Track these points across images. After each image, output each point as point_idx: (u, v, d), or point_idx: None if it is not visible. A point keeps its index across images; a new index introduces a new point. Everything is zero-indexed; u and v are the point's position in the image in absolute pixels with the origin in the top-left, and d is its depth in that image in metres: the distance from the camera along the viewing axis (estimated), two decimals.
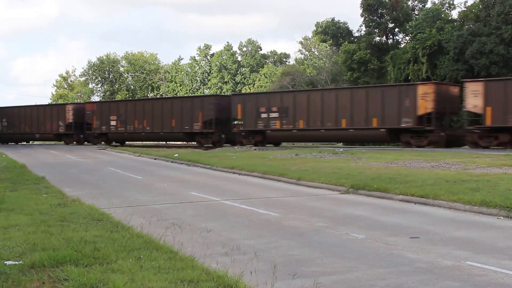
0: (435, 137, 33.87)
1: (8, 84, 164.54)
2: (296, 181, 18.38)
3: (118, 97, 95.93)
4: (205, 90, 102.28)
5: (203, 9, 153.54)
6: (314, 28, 68.81)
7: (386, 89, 36.51)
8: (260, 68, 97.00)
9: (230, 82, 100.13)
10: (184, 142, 48.86)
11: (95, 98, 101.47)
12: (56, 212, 11.42)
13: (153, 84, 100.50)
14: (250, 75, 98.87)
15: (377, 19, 58.23)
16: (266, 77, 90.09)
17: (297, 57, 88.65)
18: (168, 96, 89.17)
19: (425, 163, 21.18)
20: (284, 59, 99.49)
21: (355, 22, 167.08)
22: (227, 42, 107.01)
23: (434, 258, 8.10)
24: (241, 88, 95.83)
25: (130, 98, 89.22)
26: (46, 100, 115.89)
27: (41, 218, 10.57)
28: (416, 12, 58.76)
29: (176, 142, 50.80)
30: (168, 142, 51.55)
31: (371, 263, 7.86)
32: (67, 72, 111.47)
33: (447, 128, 35.72)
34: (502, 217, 11.47)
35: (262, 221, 11.32)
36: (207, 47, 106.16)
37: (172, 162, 29.39)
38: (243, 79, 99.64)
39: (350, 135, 38.09)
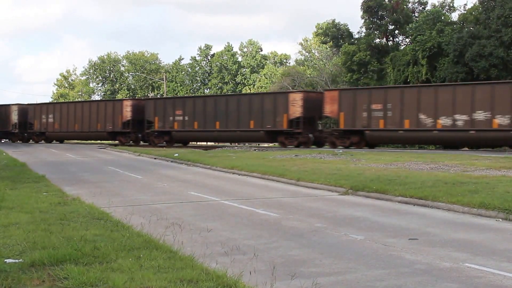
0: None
1: (12, 82, 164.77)
2: (296, 181, 18.39)
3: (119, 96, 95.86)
4: (205, 90, 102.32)
5: (210, 9, 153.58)
6: (315, 29, 68.93)
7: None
8: (261, 69, 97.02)
9: (230, 82, 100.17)
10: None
11: (96, 98, 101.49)
12: (56, 210, 11.46)
13: (153, 83, 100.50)
14: (250, 75, 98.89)
15: (377, 21, 58.25)
16: (266, 78, 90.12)
17: (298, 58, 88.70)
18: None
19: (424, 165, 21.21)
20: (285, 60, 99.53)
21: (357, 24, 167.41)
22: (228, 43, 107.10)
23: (433, 259, 8.13)
24: (241, 88, 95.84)
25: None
26: (48, 99, 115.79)
27: (41, 216, 10.60)
28: (416, 14, 58.77)
29: None
30: None
31: (370, 264, 7.89)
32: (67, 71, 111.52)
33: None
34: (500, 219, 11.50)
35: (262, 222, 11.35)
36: (208, 47, 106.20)
37: (172, 161, 29.42)
38: (243, 80, 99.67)
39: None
